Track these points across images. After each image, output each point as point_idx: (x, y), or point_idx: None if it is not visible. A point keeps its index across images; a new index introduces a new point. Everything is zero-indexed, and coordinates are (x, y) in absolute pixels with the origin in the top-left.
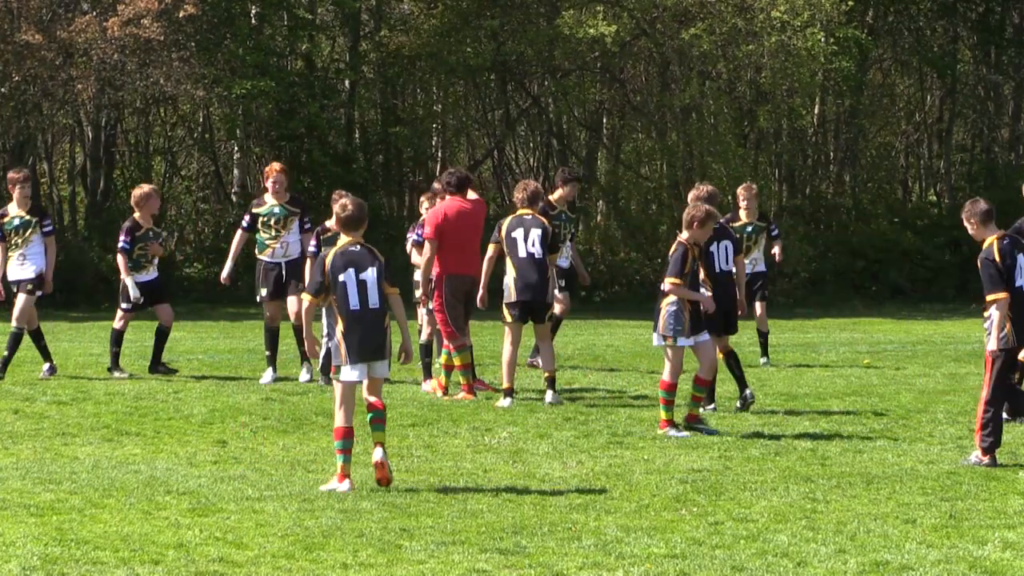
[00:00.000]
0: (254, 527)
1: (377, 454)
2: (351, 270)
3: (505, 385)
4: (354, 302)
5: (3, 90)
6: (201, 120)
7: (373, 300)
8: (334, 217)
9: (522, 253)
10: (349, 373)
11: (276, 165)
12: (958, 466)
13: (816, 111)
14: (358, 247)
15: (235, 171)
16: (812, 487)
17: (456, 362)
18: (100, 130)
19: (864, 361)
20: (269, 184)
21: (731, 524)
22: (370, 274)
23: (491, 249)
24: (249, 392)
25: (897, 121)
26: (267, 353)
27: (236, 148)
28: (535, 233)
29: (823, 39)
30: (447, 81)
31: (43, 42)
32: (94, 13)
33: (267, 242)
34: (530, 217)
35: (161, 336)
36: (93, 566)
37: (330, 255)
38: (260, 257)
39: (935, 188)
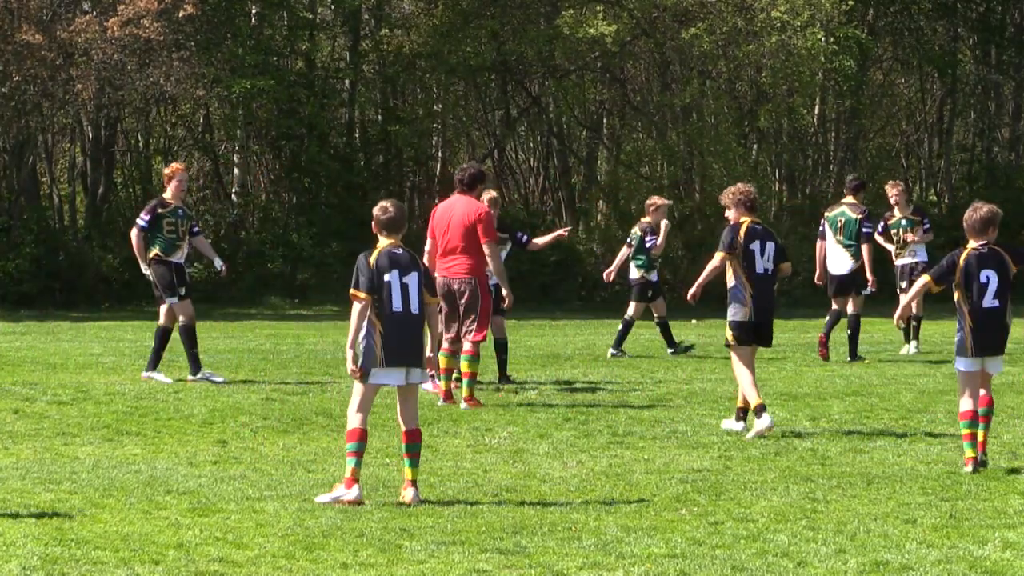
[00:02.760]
0: (254, 527)
1: (408, 494)
2: (396, 271)
3: (756, 402)
4: (397, 304)
5: (3, 90)
6: (201, 120)
7: (414, 305)
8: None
9: (759, 269)
10: (382, 376)
11: (179, 165)
12: (958, 466)
13: (816, 111)
14: (400, 250)
15: (235, 171)
16: (812, 487)
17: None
18: (100, 130)
19: (864, 361)
20: (174, 184)
21: (731, 524)
22: (413, 279)
23: (718, 258)
24: (249, 392)
25: (897, 121)
26: (194, 351)
27: (236, 148)
28: (770, 247)
29: (823, 39)
30: (447, 81)
31: (43, 42)
32: (94, 13)
33: (176, 243)
34: (761, 227)
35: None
36: (93, 566)
37: (374, 255)
38: (171, 259)
39: (935, 188)
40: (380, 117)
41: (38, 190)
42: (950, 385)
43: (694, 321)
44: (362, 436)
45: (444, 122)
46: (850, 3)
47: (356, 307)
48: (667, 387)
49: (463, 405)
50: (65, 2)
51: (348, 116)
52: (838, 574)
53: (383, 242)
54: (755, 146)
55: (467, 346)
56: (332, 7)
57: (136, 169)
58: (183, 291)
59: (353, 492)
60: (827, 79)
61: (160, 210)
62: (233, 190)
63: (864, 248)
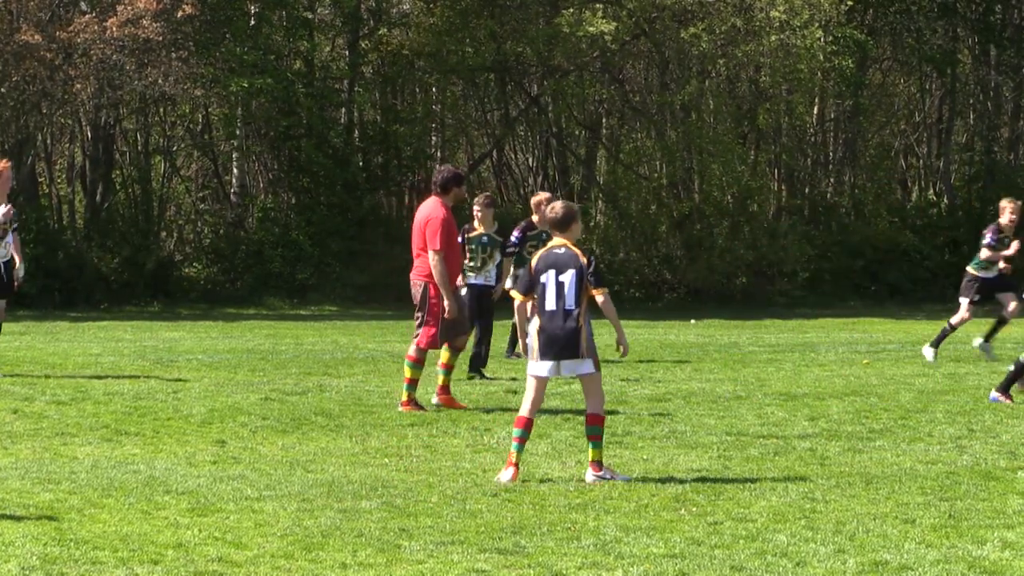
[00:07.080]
0: (253, 527)
1: (588, 475)
2: (552, 271)
3: None
4: (550, 303)
5: (3, 90)
6: (200, 120)
7: (569, 302)
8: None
9: None
10: (537, 367)
11: (5, 162)
12: (957, 466)
13: (816, 111)
14: (563, 249)
15: (234, 171)
16: (812, 487)
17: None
18: (99, 130)
19: (864, 362)
20: None
21: (730, 524)
22: (568, 276)
23: None
24: (249, 392)
25: (897, 121)
26: None
27: (235, 147)
28: None
29: (822, 38)
30: (446, 81)
31: (42, 42)
32: (93, 13)
33: None
34: None
35: None
36: (92, 566)
37: (536, 256)
38: None
39: (935, 188)
40: (379, 117)
41: (37, 190)
42: (950, 385)
43: (693, 321)
44: (526, 424)
45: (443, 122)
46: (849, 3)
47: (516, 303)
48: (666, 387)
49: (400, 408)
50: (64, 2)
51: (347, 116)
52: (837, 574)
53: (553, 241)
54: (754, 146)
55: (411, 351)
56: (331, 7)
57: (135, 169)
58: None
59: (507, 474)
60: (826, 79)
61: None
62: (232, 190)
63: None
